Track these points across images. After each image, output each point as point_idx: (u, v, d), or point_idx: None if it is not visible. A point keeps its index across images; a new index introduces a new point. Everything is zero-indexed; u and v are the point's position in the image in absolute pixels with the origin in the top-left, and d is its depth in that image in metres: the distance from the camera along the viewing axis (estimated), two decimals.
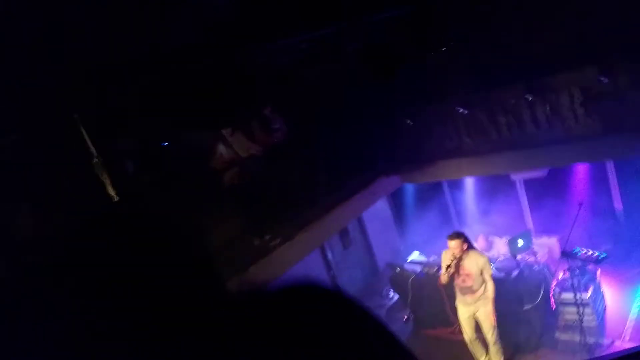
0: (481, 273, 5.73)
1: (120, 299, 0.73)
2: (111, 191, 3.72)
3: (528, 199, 9.00)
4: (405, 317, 8.09)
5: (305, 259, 7.12)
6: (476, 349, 6.24)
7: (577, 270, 6.27)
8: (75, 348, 0.69)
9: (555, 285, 6.72)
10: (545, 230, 8.36)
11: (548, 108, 6.75)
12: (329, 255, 8.96)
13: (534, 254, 7.12)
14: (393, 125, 8.26)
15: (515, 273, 6.76)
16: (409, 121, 8.04)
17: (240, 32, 4.72)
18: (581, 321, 6.11)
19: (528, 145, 6.99)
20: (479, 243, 7.33)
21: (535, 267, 6.85)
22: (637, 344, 5.94)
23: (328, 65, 6.11)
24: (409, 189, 10.33)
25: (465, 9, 6.39)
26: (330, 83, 6.85)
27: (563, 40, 6.42)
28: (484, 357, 6.25)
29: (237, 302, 0.74)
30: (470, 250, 5.81)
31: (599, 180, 8.17)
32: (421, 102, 7.82)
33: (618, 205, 8.09)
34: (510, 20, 6.67)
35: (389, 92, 7.65)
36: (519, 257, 7.07)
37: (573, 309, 6.29)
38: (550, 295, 6.71)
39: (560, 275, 6.81)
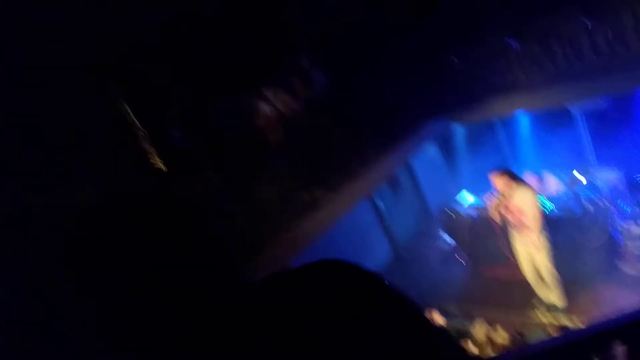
0: (533, 208, 5.56)
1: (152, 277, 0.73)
2: (159, 163, 3.79)
3: (589, 132, 8.46)
4: (460, 258, 8.05)
5: (356, 208, 7.13)
6: (538, 285, 6.13)
7: None
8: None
9: (622, 219, 6.39)
10: (608, 163, 7.87)
11: (609, 31, 6.16)
12: (379, 203, 8.92)
13: (598, 188, 6.75)
14: (438, 65, 7.88)
15: (578, 210, 6.47)
16: (454, 58, 7.64)
17: None
18: None
19: (587, 74, 6.47)
20: (532, 183, 7.07)
21: (599, 202, 6.51)
22: None
23: (362, 10, 5.83)
24: (460, 129, 9.98)
25: None
26: (368, 27, 6.57)
27: None
28: (546, 293, 6.12)
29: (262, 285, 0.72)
30: (520, 186, 5.62)
31: None
32: (467, 36, 7.37)
33: None
34: None
35: (432, 31, 7.25)
36: (581, 193, 6.74)
37: None
38: (616, 230, 6.40)
39: (628, 209, 6.46)
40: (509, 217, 5.74)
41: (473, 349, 4.17)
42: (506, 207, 5.66)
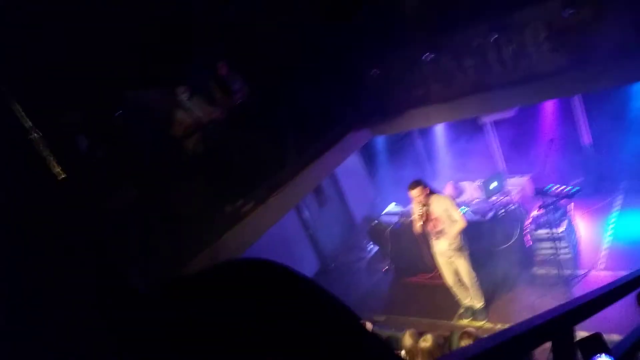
0: (449, 214, 5.79)
1: None
2: (56, 168, 3.44)
3: (499, 141, 9.02)
4: (386, 267, 8.17)
5: (282, 220, 7.01)
6: (458, 291, 6.35)
7: (551, 206, 6.35)
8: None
9: (530, 222, 6.82)
10: (517, 170, 8.41)
11: (513, 46, 6.61)
12: (306, 215, 8.87)
13: (508, 194, 7.17)
14: (359, 77, 8.03)
15: (490, 215, 6.83)
16: (375, 70, 7.81)
17: None
18: (557, 255, 6.25)
19: (495, 86, 6.88)
20: (447, 190, 7.37)
21: (510, 207, 6.91)
22: (612, 272, 6.12)
23: (282, 16, 5.78)
24: (380, 141, 10.24)
25: None
26: (287, 35, 6.53)
27: None
28: (466, 299, 6.36)
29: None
30: (433, 194, 5.90)
31: (567, 116, 8.20)
32: (385, 49, 7.58)
33: (586, 139, 8.17)
34: None
35: (350, 42, 7.37)
36: (493, 198, 7.13)
37: (548, 244, 6.42)
38: (526, 232, 6.81)
39: (535, 212, 6.90)
40: (428, 226, 5.94)
41: (405, 358, 4.18)
42: (424, 217, 5.86)
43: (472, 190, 7.46)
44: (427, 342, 3.99)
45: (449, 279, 6.27)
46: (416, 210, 5.94)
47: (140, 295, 0.63)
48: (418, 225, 5.95)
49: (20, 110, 3.30)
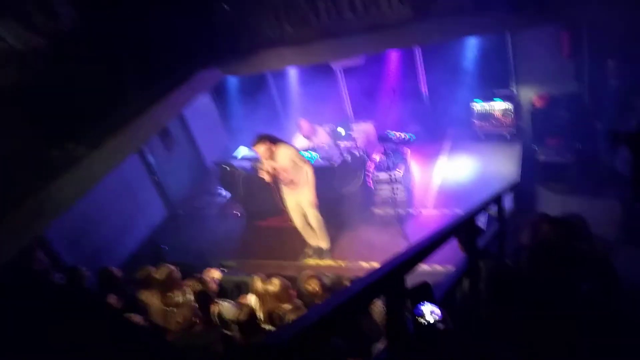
0: (295, 163, 5.93)
1: None
2: None
3: (347, 88, 9.32)
4: (238, 213, 8.11)
5: (123, 165, 6.43)
6: (306, 232, 6.60)
7: (391, 152, 6.83)
8: None
9: (373, 167, 7.28)
10: (363, 116, 8.84)
11: None
12: (150, 159, 8.27)
13: (354, 140, 7.51)
14: (210, 11, 7.45)
15: (338, 160, 7.10)
16: (225, 5, 7.32)
17: None
18: (394, 196, 6.81)
19: (346, 33, 6.97)
20: (303, 128, 7.49)
21: (356, 152, 7.26)
22: (440, 210, 6.92)
23: None
24: (234, 83, 9.86)
25: None
26: None
27: None
28: (313, 239, 6.65)
29: None
30: (279, 145, 5.96)
31: (409, 68, 8.76)
32: None
33: (424, 89, 8.86)
34: None
35: None
36: (341, 144, 7.40)
37: (387, 187, 6.95)
38: (368, 176, 7.26)
39: (376, 157, 7.37)
40: (277, 175, 6.03)
41: (254, 302, 4.20)
42: (273, 168, 5.95)
43: (323, 135, 7.65)
44: (274, 286, 4.07)
45: (297, 222, 6.47)
46: (263, 165, 6.04)
47: None
48: (266, 176, 6.06)
49: None
